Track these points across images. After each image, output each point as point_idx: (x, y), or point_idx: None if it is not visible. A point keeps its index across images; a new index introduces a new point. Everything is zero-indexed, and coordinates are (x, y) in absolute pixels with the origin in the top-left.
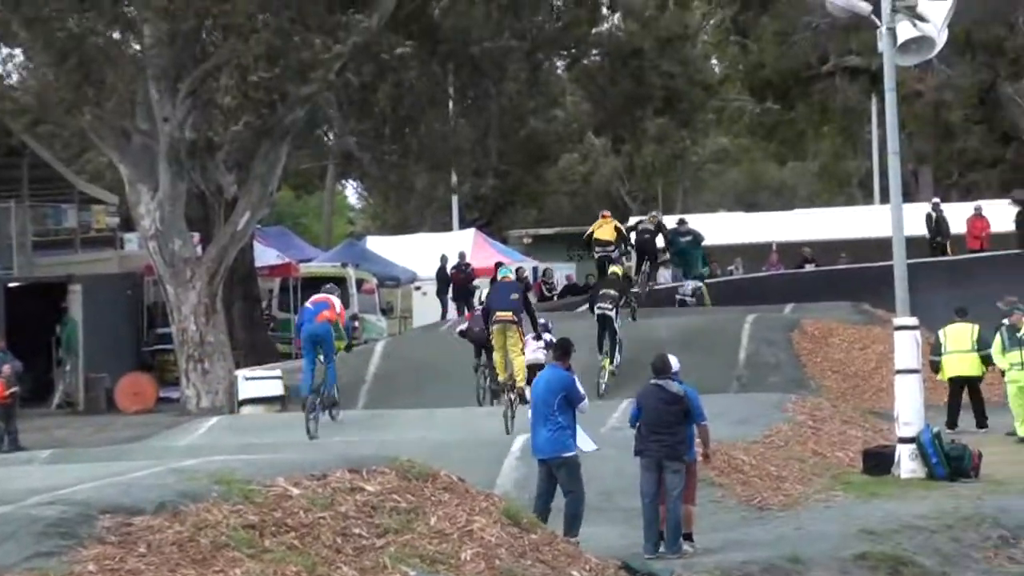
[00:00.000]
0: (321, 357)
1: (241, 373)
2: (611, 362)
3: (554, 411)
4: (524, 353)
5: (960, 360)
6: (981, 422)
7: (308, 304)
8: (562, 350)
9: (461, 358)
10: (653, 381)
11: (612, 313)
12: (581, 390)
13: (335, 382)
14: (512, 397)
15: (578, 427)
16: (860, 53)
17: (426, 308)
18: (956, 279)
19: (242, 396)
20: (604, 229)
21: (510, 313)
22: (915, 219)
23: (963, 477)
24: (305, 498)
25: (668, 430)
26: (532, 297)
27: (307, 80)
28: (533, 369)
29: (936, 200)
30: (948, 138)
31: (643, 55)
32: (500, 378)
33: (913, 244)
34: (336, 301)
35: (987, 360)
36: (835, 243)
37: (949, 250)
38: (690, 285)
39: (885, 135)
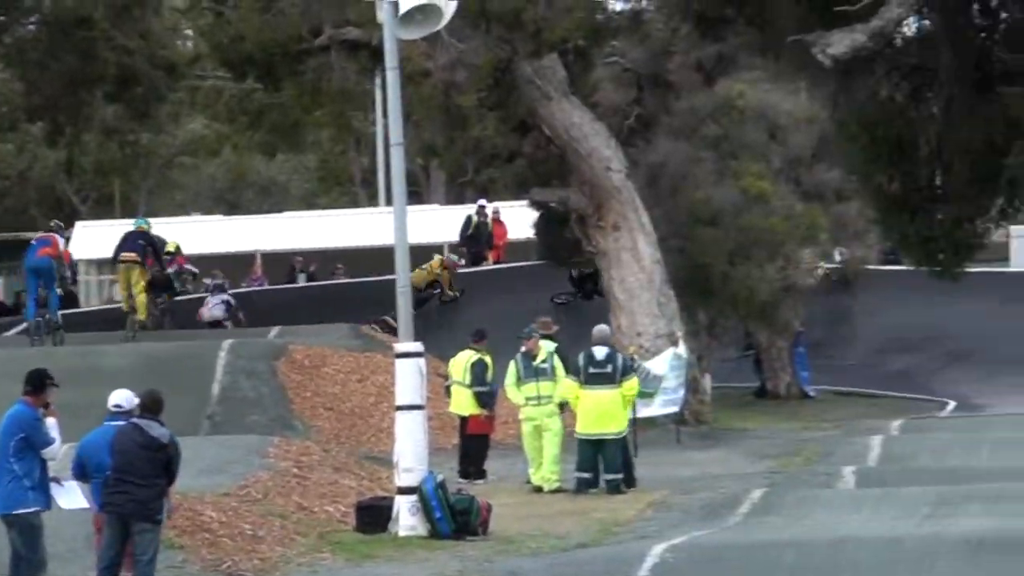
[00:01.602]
0: (43, 288)
1: None
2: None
3: (10, 457)
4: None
5: (457, 394)
6: (467, 470)
7: (33, 240)
8: (31, 384)
9: None
10: (134, 420)
11: None
12: (51, 433)
13: (57, 307)
14: (135, 320)
15: (73, 482)
16: (360, 24)
17: None
18: (472, 295)
19: None
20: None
21: (134, 254)
22: (425, 223)
23: (470, 534)
24: None
25: (142, 482)
26: None
27: None
28: (214, 325)
29: (483, 202)
30: (461, 127)
31: (93, 25)
32: (125, 307)
33: (422, 253)
34: (60, 240)
35: (484, 400)
36: (332, 252)
37: (490, 260)
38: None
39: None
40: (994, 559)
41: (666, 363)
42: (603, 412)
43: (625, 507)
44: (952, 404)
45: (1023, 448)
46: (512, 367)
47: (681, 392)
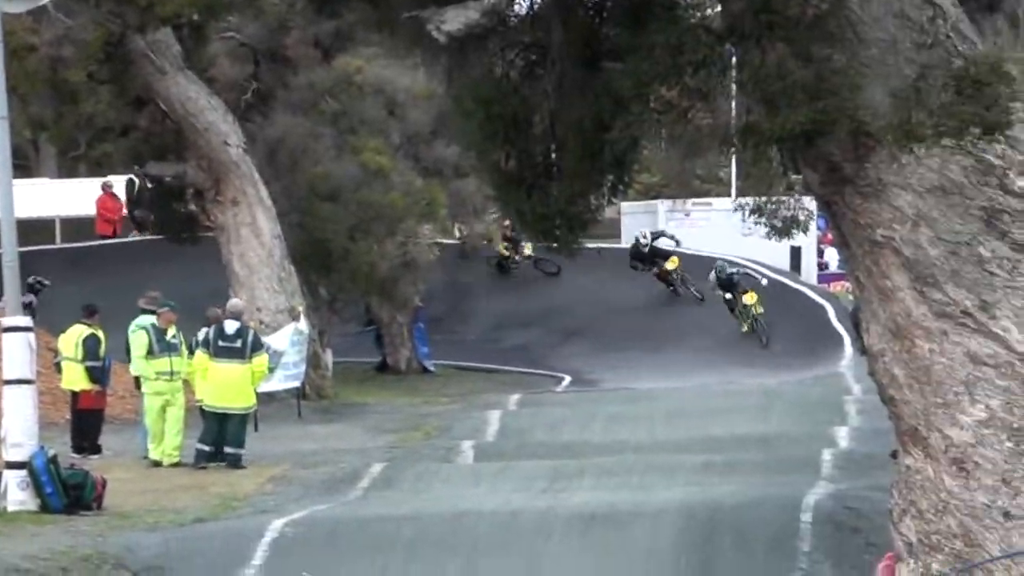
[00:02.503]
0: None
1: None
2: None
3: None
4: None
5: (68, 369)
6: (81, 445)
7: None
8: None
9: None
10: None
11: None
12: None
13: None
14: None
15: None
16: None
17: None
18: (84, 270)
19: None
20: None
21: None
22: (36, 197)
23: (84, 509)
24: None
25: None
26: None
27: None
28: None
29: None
30: (71, 101)
31: None
32: None
33: (32, 227)
34: None
35: (96, 375)
36: None
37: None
38: None
39: None
40: (604, 531)
41: (287, 338)
42: (231, 387)
43: (245, 481)
44: (568, 379)
45: (632, 423)
46: (144, 338)
47: (302, 367)
